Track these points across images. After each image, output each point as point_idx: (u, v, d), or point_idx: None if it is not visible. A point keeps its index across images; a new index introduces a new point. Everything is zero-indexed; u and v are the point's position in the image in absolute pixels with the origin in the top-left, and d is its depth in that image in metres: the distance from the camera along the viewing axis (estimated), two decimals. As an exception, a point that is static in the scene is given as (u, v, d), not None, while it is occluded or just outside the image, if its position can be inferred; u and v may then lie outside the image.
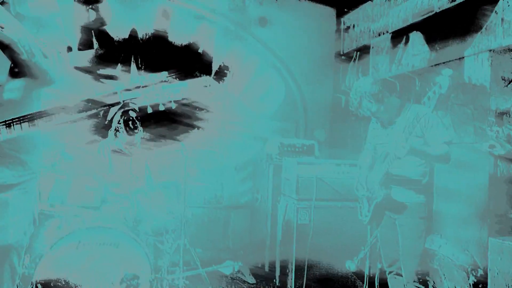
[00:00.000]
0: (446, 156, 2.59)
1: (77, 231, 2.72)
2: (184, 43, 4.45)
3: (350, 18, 4.89)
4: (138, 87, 1.60)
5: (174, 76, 1.68)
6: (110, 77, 4.16)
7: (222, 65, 4.61)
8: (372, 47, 4.42)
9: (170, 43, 4.39)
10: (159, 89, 1.63)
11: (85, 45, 4.10)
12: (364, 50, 4.57)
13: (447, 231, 3.15)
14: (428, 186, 2.80)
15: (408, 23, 3.85)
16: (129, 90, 1.61)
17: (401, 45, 3.95)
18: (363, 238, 3.04)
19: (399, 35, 3.97)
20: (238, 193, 4.64)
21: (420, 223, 2.70)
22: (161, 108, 1.67)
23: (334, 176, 3.38)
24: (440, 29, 3.46)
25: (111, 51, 4.17)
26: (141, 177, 3.42)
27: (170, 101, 1.64)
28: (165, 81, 1.64)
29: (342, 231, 3.20)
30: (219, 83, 4.61)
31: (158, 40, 4.34)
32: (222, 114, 4.53)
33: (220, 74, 4.61)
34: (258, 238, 4.20)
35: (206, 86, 1.71)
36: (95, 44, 4.13)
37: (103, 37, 4.15)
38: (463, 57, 3.20)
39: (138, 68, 4.30)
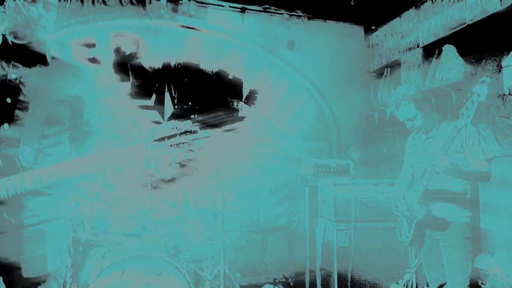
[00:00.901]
0: (487, 175, 2.47)
1: (121, 260, 2.78)
2: (215, 70, 4.57)
3: (378, 35, 4.88)
4: (163, 138, 1.66)
5: (197, 125, 1.73)
6: (146, 107, 4.32)
7: (252, 89, 4.68)
8: (403, 63, 4.37)
9: (202, 71, 4.52)
10: (183, 139, 1.70)
11: (121, 78, 4.29)
12: (394, 66, 4.52)
13: (498, 250, 2.98)
14: (473, 201, 2.68)
15: (440, 37, 3.79)
16: (156, 140, 1.67)
17: (434, 59, 3.88)
18: (407, 260, 2.94)
19: (431, 49, 3.91)
20: (274, 215, 4.62)
21: (465, 243, 2.55)
22: (184, 157, 1.73)
23: (373, 197, 3.30)
24: (474, 41, 3.38)
25: (146, 82, 4.34)
26: (179, 204, 3.48)
27: (193, 150, 1.71)
28: (189, 131, 1.69)
29: (385, 253, 3.10)
30: (250, 107, 4.68)
31: (190, 69, 4.48)
32: (254, 137, 4.58)
33: (251, 98, 4.68)
34: (297, 261, 4.14)
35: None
36: (131, 77, 4.32)
37: (138, 69, 4.33)
38: (501, 68, 3.10)
39: (172, 97, 4.44)
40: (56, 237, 1.78)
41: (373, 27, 4.94)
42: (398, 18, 4.47)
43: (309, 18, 4.83)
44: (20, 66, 1.61)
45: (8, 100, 1.57)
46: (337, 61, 4.84)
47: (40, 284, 1.66)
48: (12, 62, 1.59)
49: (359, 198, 3.28)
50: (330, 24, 4.91)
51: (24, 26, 1.50)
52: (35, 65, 1.64)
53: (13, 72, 1.59)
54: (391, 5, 4.37)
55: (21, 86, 1.60)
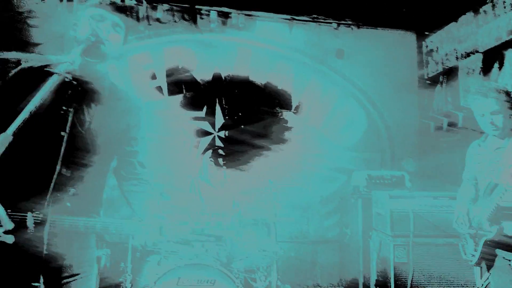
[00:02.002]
0: None
1: (177, 268, 2.85)
2: (264, 81, 4.61)
3: (432, 40, 4.69)
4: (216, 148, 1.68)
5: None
6: (198, 119, 4.43)
7: (301, 99, 4.66)
8: (461, 69, 4.16)
9: (251, 82, 4.58)
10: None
11: (175, 91, 4.44)
12: (451, 72, 4.32)
13: None
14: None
15: (502, 41, 3.58)
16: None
17: (496, 64, 3.66)
18: (471, 280, 2.75)
19: (493, 54, 3.70)
20: (324, 227, 4.53)
21: (541, 267, 2.35)
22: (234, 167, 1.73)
23: (432, 210, 3.14)
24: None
25: (197, 94, 4.47)
26: (231, 214, 3.51)
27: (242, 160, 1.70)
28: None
29: (446, 271, 2.93)
30: (299, 117, 4.66)
31: (239, 81, 4.56)
32: (303, 147, 4.54)
33: (300, 109, 4.66)
34: (350, 276, 4.02)
35: None
36: (183, 89, 4.46)
37: (190, 82, 4.47)
38: None
39: (222, 108, 4.53)
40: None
41: (426, 33, 4.76)
42: (454, 22, 4.28)
43: (358, 26, 4.75)
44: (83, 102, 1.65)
45: (64, 107, 1.61)
46: (388, 68, 4.71)
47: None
48: (74, 103, 1.61)
49: (417, 212, 3.14)
50: (380, 32, 4.80)
51: (98, 45, 1.56)
52: (93, 101, 1.67)
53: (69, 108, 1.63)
54: (446, 10, 4.19)
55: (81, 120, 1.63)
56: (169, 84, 4.43)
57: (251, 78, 4.58)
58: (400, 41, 4.87)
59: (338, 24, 4.71)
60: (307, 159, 4.53)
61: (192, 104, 4.45)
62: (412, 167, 4.44)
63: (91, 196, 1.71)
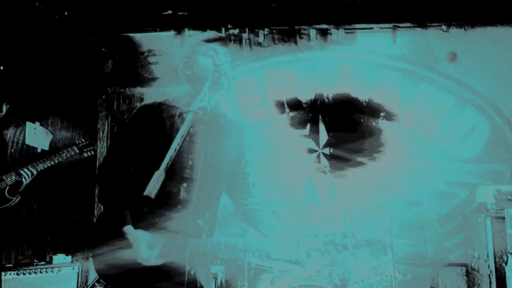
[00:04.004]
0: None
1: (291, 288, 2.86)
2: (368, 94, 4.46)
3: None
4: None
5: None
6: (302, 137, 4.47)
7: (410, 110, 4.38)
8: None
9: (354, 98, 4.46)
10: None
11: (278, 111, 4.56)
12: None
13: None
14: None
15: None
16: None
17: None
18: None
19: None
20: (445, 248, 4.13)
21: None
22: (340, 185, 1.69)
23: None
24: None
25: (300, 113, 4.52)
26: (343, 233, 3.42)
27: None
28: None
29: None
30: (409, 129, 4.38)
31: (342, 96, 4.48)
32: (416, 161, 4.24)
33: (409, 120, 4.38)
34: (481, 305, 3.57)
35: None
36: (287, 109, 4.55)
37: (293, 101, 4.55)
38: None
39: (326, 125, 4.49)
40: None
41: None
42: None
43: (472, 26, 4.32)
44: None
45: (197, 141, 1.74)
46: (510, 68, 4.17)
47: None
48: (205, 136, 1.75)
49: None
50: (497, 30, 4.28)
51: (221, 78, 1.68)
52: (216, 131, 1.81)
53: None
54: None
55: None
56: (272, 105, 4.56)
57: (354, 93, 4.47)
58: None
59: (449, 26, 4.35)
60: (421, 174, 4.21)
61: (296, 123, 4.50)
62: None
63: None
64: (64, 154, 2.74)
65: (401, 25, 4.46)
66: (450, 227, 4.14)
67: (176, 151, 1.30)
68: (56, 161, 2.68)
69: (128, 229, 1.62)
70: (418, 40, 4.43)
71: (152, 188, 1.18)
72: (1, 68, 3.08)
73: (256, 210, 1.96)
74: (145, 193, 1.17)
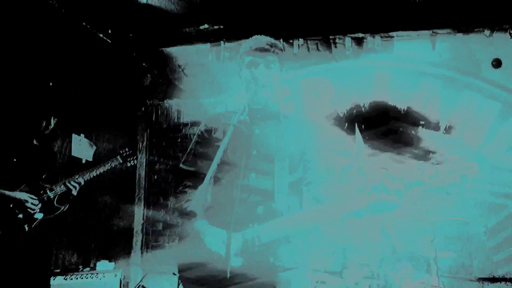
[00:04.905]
0: None
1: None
2: (406, 102, 4.35)
3: None
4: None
5: None
6: (339, 147, 4.41)
7: (452, 118, 4.23)
8: None
9: (391, 105, 4.37)
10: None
11: (314, 120, 4.53)
12: None
13: None
14: None
15: None
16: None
17: None
18: None
19: None
20: (492, 263, 3.92)
21: None
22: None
23: None
24: None
25: (336, 122, 4.46)
26: (381, 245, 3.34)
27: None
28: None
29: None
30: (450, 138, 4.22)
31: (379, 105, 4.39)
32: (459, 171, 4.06)
33: (451, 129, 4.22)
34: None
35: None
36: (322, 119, 4.51)
37: (328, 110, 4.50)
38: None
39: (363, 134, 4.41)
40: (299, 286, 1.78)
41: None
42: None
43: (517, 30, 4.14)
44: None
45: (237, 153, 1.70)
46: None
47: None
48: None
49: None
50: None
51: (259, 91, 1.70)
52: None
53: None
54: None
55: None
56: (307, 115, 4.54)
57: (391, 101, 4.37)
58: None
59: (492, 30, 4.19)
60: (466, 185, 4.03)
61: (332, 132, 4.46)
62: None
63: None
64: (109, 164, 2.86)
65: (440, 31, 4.34)
66: (498, 240, 3.93)
67: (218, 164, 1.32)
68: (102, 171, 2.80)
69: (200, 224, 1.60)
70: (459, 46, 4.29)
71: (196, 203, 1.20)
72: (51, 84, 3.27)
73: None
74: (190, 209, 1.19)
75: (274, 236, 1.58)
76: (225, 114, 1.78)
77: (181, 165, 1.84)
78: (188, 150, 1.86)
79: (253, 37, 1.83)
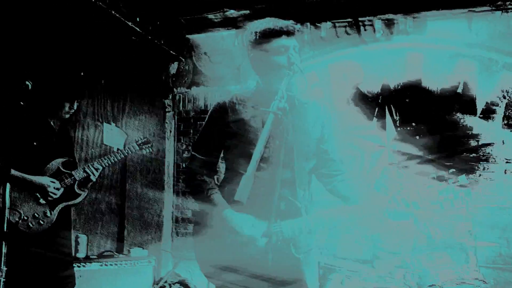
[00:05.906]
0: None
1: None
2: (440, 85, 4.18)
3: None
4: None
5: None
6: (368, 132, 4.30)
7: (490, 101, 4.04)
8: None
9: (424, 88, 4.21)
10: None
11: (342, 106, 4.42)
12: None
13: None
14: None
15: None
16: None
17: None
18: None
19: None
20: (533, 252, 3.76)
21: None
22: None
23: None
24: None
25: (366, 107, 4.34)
26: (415, 234, 3.25)
27: None
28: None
29: None
30: (487, 121, 4.04)
31: (411, 88, 4.24)
32: (499, 157, 3.89)
33: (489, 112, 4.03)
34: None
35: None
36: (351, 103, 4.40)
37: (358, 95, 4.38)
38: None
39: (393, 119, 4.28)
40: (310, 265, 1.86)
41: None
42: None
43: None
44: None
45: (277, 142, 1.69)
46: None
47: None
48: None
49: None
50: None
51: (296, 75, 1.65)
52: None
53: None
54: None
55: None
56: (335, 100, 4.44)
57: (424, 84, 4.21)
58: None
59: (534, 7, 3.94)
60: (507, 171, 3.86)
61: (361, 117, 4.34)
62: None
63: None
64: (126, 151, 2.88)
65: (477, 9, 4.11)
66: (538, 228, 3.76)
67: (262, 153, 1.29)
68: (119, 157, 2.81)
69: (229, 212, 1.60)
70: (497, 24, 4.06)
71: (242, 193, 1.18)
72: (82, 74, 3.31)
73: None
74: (236, 198, 1.17)
75: (297, 233, 1.61)
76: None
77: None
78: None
79: (265, 19, 1.78)
